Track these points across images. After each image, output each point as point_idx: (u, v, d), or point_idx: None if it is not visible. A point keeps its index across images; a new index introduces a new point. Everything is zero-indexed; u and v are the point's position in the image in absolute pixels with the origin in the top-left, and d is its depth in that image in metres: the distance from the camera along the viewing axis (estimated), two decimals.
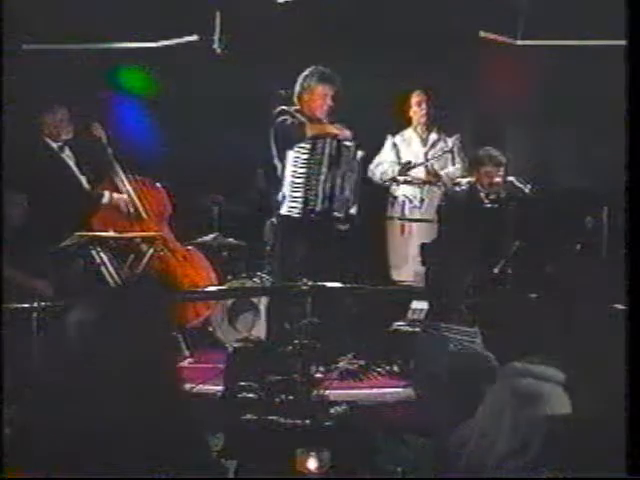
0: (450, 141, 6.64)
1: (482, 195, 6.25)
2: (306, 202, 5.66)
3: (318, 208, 5.67)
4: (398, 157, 6.63)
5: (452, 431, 2.78)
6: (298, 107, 5.84)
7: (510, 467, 2.35)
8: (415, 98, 6.65)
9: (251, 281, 6.35)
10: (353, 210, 5.81)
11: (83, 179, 6.04)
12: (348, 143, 5.77)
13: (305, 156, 5.67)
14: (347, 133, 5.82)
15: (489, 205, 6.16)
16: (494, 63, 6.75)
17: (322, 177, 5.67)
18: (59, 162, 5.94)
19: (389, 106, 6.70)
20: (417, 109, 6.65)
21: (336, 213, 5.72)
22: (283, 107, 5.86)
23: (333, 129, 5.79)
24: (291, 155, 5.69)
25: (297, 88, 5.86)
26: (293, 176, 5.67)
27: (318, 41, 6.71)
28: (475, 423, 2.60)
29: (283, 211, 5.69)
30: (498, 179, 6.21)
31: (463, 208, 6.24)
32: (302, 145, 5.68)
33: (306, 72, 5.88)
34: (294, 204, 5.67)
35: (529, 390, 2.44)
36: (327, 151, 5.68)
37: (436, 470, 3.20)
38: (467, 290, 3.86)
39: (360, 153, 5.84)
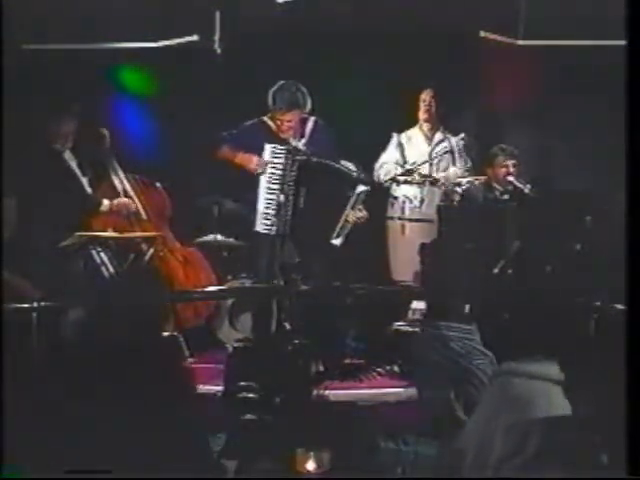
0: (453, 140, 6.63)
1: (497, 193, 6.36)
2: (275, 222, 5.76)
3: (282, 231, 5.77)
4: (403, 156, 6.62)
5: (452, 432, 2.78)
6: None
7: (509, 467, 2.35)
8: (424, 96, 6.64)
9: (251, 281, 6.35)
10: (336, 241, 5.85)
11: (84, 180, 6.03)
12: (350, 167, 5.84)
13: (279, 173, 5.78)
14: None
15: (501, 205, 6.20)
16: (494, 63, 6.74)
17: (282, 198, 5.75)
18: (60, 163, 5.93)
19: (390, 106, 6.70)
20: (425, 107, 6.63)
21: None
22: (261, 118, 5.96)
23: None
24: (266, 170, 5.80)
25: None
26: (267, 192, 5.77)
27: (318, 41, 6.71)
28: (472, 425, 2.60)
29: (258, 228, 5.77)
30: (513, 169, 6.30)
31: (478, 207, 6.29)
32: (276, 161, 5.78)
33: (274, 88, 5.91)
34: (266, 222, 5.77)
35: (522, 389, 2.44)
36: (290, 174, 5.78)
37: (436, 470, 3.20)
38: (466, 290, 3.86)
39: (361, 188, 5.88)
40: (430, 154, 6.60)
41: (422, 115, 6.66)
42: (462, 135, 6.64)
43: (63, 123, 5.92)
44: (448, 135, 6.66)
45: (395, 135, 6.67)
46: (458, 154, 6.63)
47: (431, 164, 6.56)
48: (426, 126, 6.68)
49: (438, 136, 6.67)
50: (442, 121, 6.67)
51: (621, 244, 2.71)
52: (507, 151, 6.42)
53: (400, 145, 6.64)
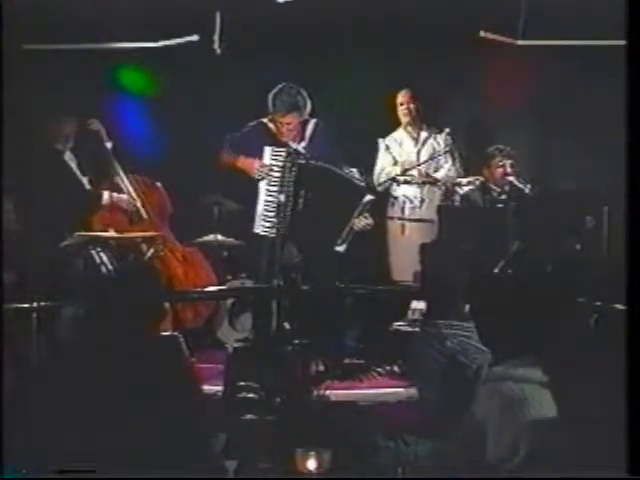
0: (442, 138, 6.61)
1: (495, 194, 6.35)
2: (274, 224, 5.75)
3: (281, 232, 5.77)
4: (394, 158, 6.62)
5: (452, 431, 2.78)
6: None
7: (506, 469, 2.36)
8: (401, 97, 6.63)
9: (251, 281, 6.35)
10: (340, 248, 5.84)
11: (85, 180, 6.03)
12: (355, 174, 5.83)
13: (278, 175, 5.79)
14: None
15: (501, 205, 6.19)
16: (494, 63, 6.74)
17: (282, 199, 5.74)
18: (61, 163, 5.93)
19: (391, 106, 6.70)
20: (404, 108, 6.62)
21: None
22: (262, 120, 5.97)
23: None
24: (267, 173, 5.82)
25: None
26: (266, 194, 5.77)
27: (318, 41, 6.71)
28: (464, 432, 2.60)
29: (258, 230, 5.79)
30: (510, 170, 6.29)
31: (478, 207, 6.29)
32: (275, 163, 5.79)
33: (274, 91, 5.92)
34: (265, 224, 5.78)
35: (510, 393, 2.45)
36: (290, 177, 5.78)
37: (436, 470, 3.20)
38: (466, 290, 3.86)
39: (369, 197, 5.88)
40: (418, 153, 6.59)
41: (403, 116, 6.62)
42: (448, 130, 6.59)
43: (63, 123, 5.93)
44: (434, 132, 6.63)
45: (381, 140, 6.65)
46: (455, 152, 6.61)
47: (419, 169, 6.55)
48: (410, 127, 6.61)
49: (424, 135, 6.65)
50: (424, 120, 6.63)
51: (621, 244, 2.71)
52: (504, 151, 6.42)
53: (388, 148, 6.64)
